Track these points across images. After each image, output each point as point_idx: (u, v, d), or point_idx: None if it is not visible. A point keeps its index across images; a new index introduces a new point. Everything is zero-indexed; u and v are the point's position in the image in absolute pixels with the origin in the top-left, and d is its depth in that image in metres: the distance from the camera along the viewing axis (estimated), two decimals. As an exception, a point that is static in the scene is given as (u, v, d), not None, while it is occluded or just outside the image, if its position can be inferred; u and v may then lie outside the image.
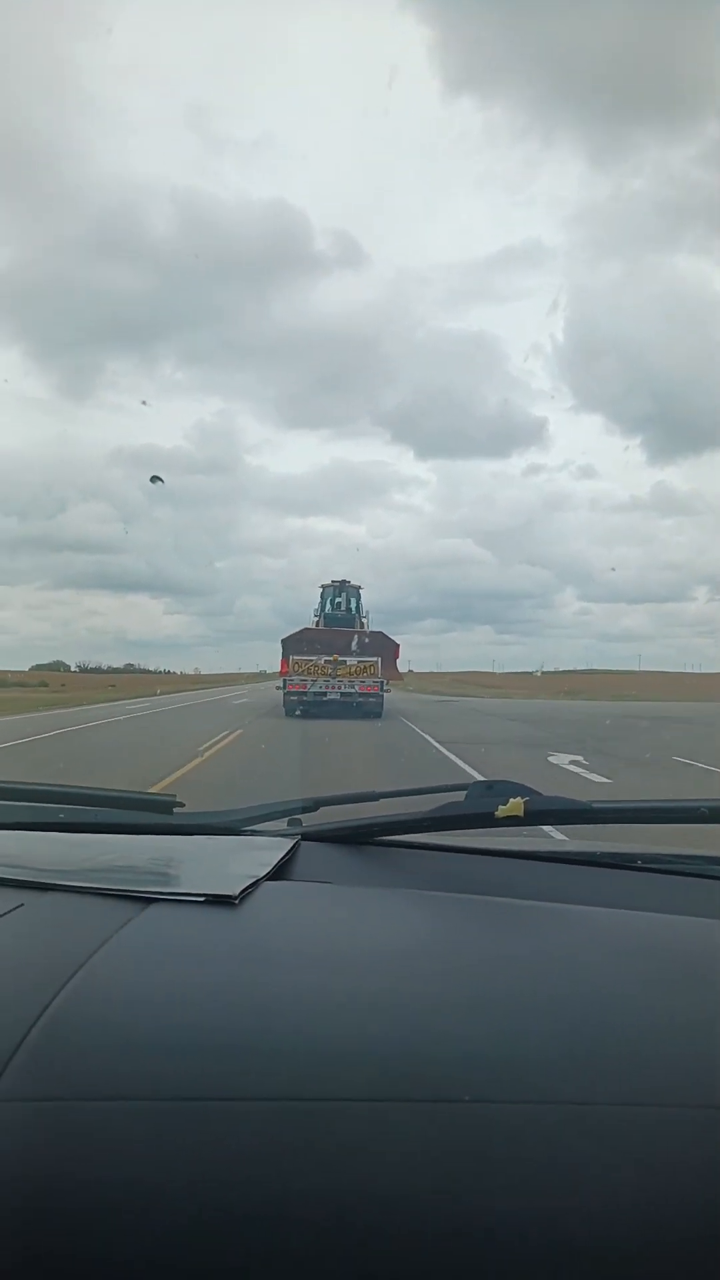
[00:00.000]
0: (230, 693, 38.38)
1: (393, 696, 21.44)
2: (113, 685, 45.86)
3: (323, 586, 24.07)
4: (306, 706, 18.68)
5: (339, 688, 18.84)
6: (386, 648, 19.54)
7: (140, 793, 1.30)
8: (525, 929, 0.81)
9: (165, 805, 1.20)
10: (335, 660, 18.90)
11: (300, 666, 18.96)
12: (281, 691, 19.33)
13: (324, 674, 18.89)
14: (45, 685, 46.68)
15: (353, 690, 18.83)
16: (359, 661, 18.98)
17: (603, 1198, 0.47)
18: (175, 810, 1.19)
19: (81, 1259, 0.45)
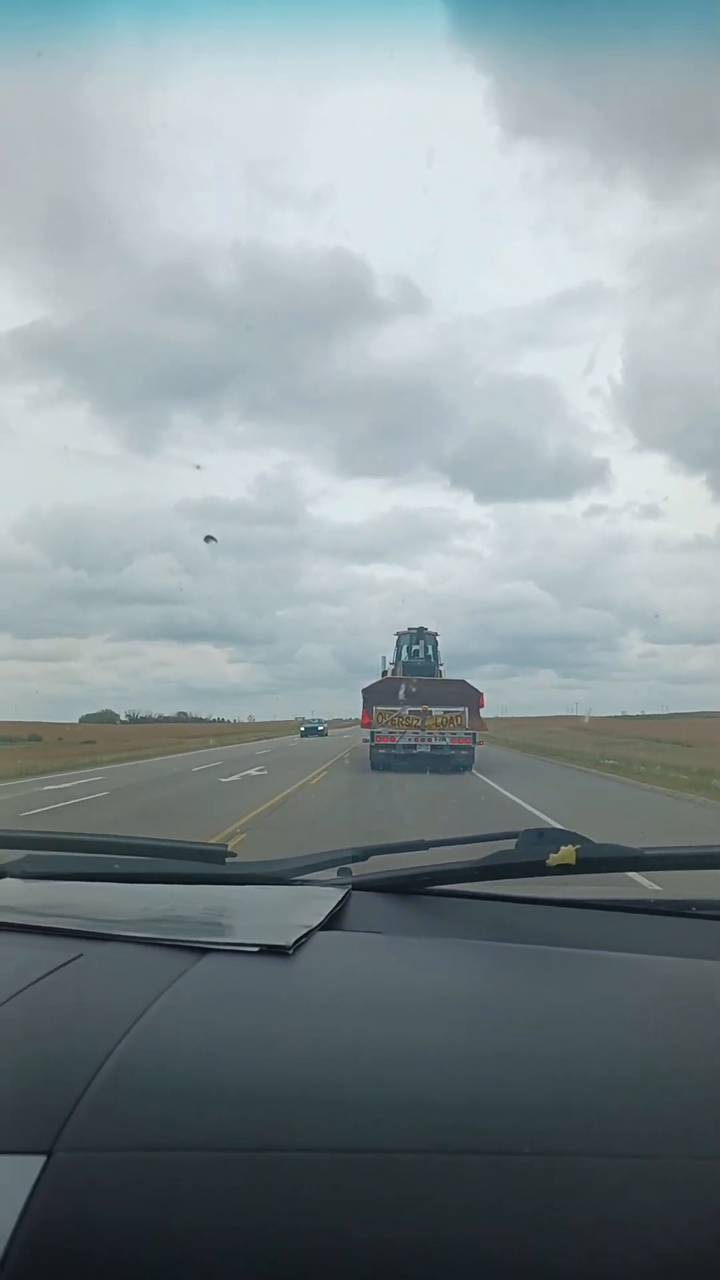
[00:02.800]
0: (236, 754, 29.02)
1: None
2: (91, 741, 40.10)
3: (398, 634, 23.44)
4: (395, 760, 17.81)
5: (428, 740, 18.04)
6: (471, 697, 18.62)
7: (193, 843, 1.32)
8: (580, 978, 0.81)
9: (218, 855, 1.22)
10: (423, 711, 18.02)
11: (384, 717, 18.23)
12: (368, 744, 18.49)
13: (411, 725, 18.12)
14: (39, 739, 42.97)
15: (443, 742, 18.02)
16: (445, 712, 18.16)
17: (672, 1252, 0.46)
18: (227, 860, 1.21)
19: None
